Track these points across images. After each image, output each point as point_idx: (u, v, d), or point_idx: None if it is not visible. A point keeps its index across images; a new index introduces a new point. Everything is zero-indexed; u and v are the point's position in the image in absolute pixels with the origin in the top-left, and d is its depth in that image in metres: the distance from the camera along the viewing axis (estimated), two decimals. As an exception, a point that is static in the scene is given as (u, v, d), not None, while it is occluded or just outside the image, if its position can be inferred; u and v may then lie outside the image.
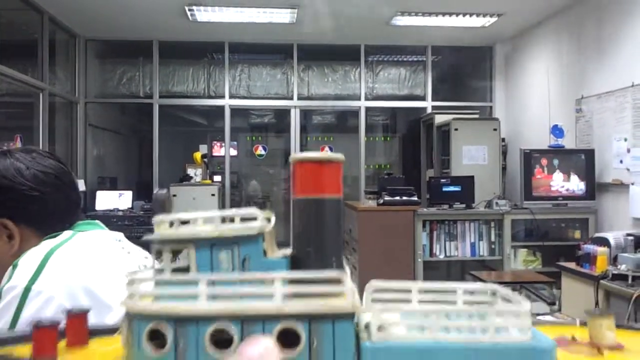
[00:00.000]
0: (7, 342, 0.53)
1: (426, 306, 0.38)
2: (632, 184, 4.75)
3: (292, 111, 7.72)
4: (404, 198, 5.45)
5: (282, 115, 8.22)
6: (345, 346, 0.34)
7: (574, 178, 5.46)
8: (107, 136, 8.35)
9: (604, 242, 3.60)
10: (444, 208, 5.63)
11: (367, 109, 7.85)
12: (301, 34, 7.14)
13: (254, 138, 8.93)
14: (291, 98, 7.70)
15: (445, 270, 6.17)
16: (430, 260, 5.53)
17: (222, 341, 0.35)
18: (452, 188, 5.65)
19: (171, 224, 0.41)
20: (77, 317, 0.46)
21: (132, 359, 0.37)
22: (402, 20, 6.60)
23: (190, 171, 7.03)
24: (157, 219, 0.41)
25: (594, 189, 5.39)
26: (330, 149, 8.23)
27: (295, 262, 0.38)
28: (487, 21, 6.64)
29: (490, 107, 7.80)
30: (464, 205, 5.61)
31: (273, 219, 0.41)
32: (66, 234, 1.15)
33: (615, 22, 5.17)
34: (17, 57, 5.94)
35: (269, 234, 0.41)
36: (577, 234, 5.47)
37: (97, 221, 1.28)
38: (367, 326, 0.35)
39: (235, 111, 7.78)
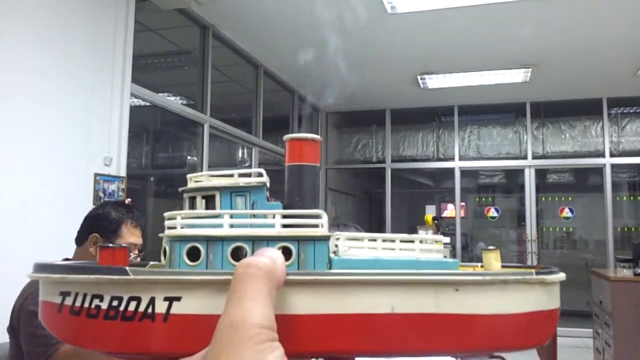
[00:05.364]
0: None
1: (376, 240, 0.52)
2: None
3: (526, 171, 7.40)
4: (669, 269, 4.75)
5: (513, 175, 7.94)
6: (321, 259, 0.47)
7: None
8: (343, 198, 9.01)
9: None
10: None
11: (612, 165, 7.15)
12: (534, 92, 6.91)
13: (483, 199, 8.74)
14: (525, 157, 7.41)
15: None
16: None
17: (238, 257, 0.48)
18: None
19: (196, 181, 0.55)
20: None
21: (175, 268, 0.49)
22: (654, 69, 5.97)
23: (421, 232, 7.13)
24: (190, 175, 0.53)
25: None
26: (571, 211, 7.63)
27: (287, 208, 0.51)
28: None
29: None
30: None
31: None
32: None
33: None
34: (271, 130, 6.85)
35: None
36: None
37: None
38: (336, 248, 0.50)
39: (464, 172, 7.76)
